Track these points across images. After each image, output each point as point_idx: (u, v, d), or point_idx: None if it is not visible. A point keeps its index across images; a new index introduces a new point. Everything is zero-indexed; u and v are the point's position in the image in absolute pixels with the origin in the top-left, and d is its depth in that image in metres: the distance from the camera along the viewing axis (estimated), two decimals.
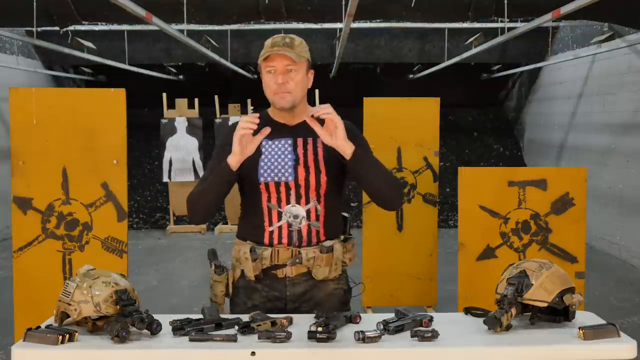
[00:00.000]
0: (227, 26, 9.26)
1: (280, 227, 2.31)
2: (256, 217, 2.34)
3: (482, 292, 2.85)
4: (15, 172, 3.42)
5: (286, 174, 2.31)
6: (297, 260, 2.31)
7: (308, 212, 2.31)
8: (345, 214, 2.46)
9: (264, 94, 2.34)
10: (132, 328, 2.00)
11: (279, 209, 2.31)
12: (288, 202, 2.31)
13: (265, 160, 2.33)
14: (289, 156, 2.32)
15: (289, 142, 2.34)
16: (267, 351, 1.95)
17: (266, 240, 2.33)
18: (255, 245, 2.33)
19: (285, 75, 2.27)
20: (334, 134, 2.20)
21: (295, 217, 2.29)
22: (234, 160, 2.23)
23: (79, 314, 2.02)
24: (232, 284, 2.38)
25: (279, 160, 2.32)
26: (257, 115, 2.24)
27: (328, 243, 2.33)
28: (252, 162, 2.31)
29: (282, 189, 2.31)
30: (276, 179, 2.31)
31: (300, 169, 2.31)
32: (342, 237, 2.40)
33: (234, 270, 2.39)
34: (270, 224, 2.33)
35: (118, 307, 2.02)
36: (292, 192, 2.31)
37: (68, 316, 2.06)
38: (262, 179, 2.32)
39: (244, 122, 2.19)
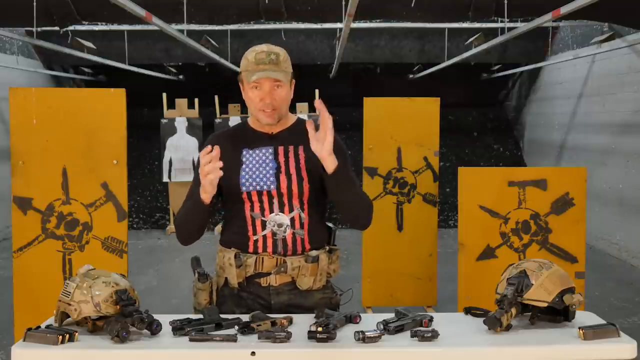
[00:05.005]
0: (227, 26, 9.26)
1: (264, 236, 2.28)
2: (240, 226, 2.30)
3: (482, 292, 2.85)
4: (15, 172, 3.42)
5: (268, 183, 2.28)
6: (282, 269, 2.28)
7: (292, 220, 2.28)
8: (331, 225, 2.43)
9: None
10: (132, 328, 2.00)
11: (263, 218, 2.28)
12: (271, 211, 2.28)
13: (247, 169, 2.30)
14: (270, 165, 2.29)
15: (270, 150, 2.31)
16: (267, 351, 1.95)
17: (250, 248, 2.30)
18: (239, 252, 2.30)
19: (272, 93, 2.24)
20: (323, 144, 2.12)
21: (280, 225, 2.26)
22: (205, 197, 2.18)
23: (79, 314, 2.02)
24: (216, 292, 2.35)
25: (260, 169, 2.29)
26: (210, 149, 2.10)
27: (314, 253, 2.30)
28: (233, 172, 2.29)
29: (265, 197, 2.27)
30: (258, 188, 2.28)
31: (282, 177, 2.28)
32: (327, 247, 2.36)
33: (218, 278, 2.36)
34: (255, 233, 2.29)
35: (118, 307, 2.02)
36: (275, 200, 2.28)
37: (68, 316, 2.06)
38: (244, 189, 2.28)
39: (208, 166, 2.09)
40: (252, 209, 2.29)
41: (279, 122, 2.33)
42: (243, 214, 2.29)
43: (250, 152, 2.32)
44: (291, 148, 2.32)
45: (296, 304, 2.31)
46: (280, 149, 2.32)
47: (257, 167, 2.30)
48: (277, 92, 2.25)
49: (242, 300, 2.32)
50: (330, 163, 2.15)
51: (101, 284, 2.04)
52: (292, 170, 2.29)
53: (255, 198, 2.29)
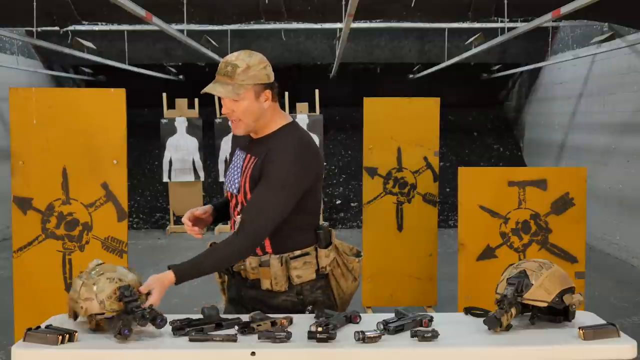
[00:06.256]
0: (227, 26, 9.26)
1: None
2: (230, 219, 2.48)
3: (482, 292, 2.85)
4: (15, 172, 3.42)
5: (233, 187, 2.39)
6: (242, 266, 2.36)
7: None
8: (324, 224, 2.41)
9: None
10: (136, 326, 2.00)
11: (234, 217, 2.40)
12: (239, 212, 2.37)
13: (230, 170, 2.44)
14: (239, 170, 2.38)
15: (243, 156, 2.39)
16: (267, 351, 1.95)
17: None
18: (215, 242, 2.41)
19: (231, 104, 2.27)
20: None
21: None
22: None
23: (86, 311, 2.03)
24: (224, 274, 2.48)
25: (234, 172, 2.41)
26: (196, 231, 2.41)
27: (265, 257, 2.32)
28: (226, 171, 2.47)
29: (234, 199, 2.39)
30: (230, 189, 2.41)
31: (241, 184, 2.36)
32: (297, 252, 2.33)
33: None
34: (232, 228, 2.43)
35: (122, 303, 2.02)
36: (240, 203, 2.36)
37: None
38: (225, 187, 2.46)
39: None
40: (230, 206, 2.45)
41: (259, 128, 2.34)
42: (230, 209, 2.46)
43: (238, 154, 2.44)
44: (253, 158, 2.34)
45: (262, 301, 2.36)
46: (248, 157, 2.37)
47: (233, 170, 2.42)
48: (235, 104, 2.27)
49: (231, 286, 2.47)
50: (172, 282, 2.19)
51: (105, 280, 2.05)
52: (243, 181, 2.34)
53: (230, 197, 2.44)
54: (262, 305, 2.32)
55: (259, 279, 2.35)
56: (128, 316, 2.00)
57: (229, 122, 2.38)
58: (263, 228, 2.24)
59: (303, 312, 2.31)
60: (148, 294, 2.12)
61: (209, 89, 2.28)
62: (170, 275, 2.18)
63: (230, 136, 8.25)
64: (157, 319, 2.03)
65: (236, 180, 2.36)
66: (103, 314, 2.04)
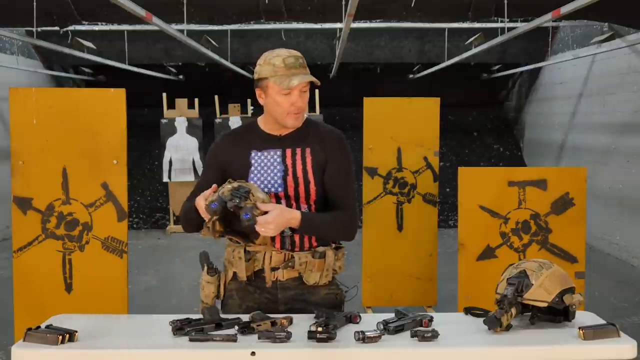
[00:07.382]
0: (227, 26, 9.26)
1: None
2: None
3: (482, 292, 2.85)
4: (15, 172, 3.42)
5: (275, 185, 2.31)
6: (290, 264, 2.32)
7: None
8: None
9: None
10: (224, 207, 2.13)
11: None
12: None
13: (255, 172, 2.34)
14: (278, 167, 2.33)
15: (278, 153, 2.34)
16: (267, 351, 1.95)
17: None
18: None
19: (302, 96, 2.29)
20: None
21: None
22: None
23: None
24: (223, 286, 2.38)
25: (269, 172, 2.33)
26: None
27: (321, 249, 2.33)
28: (242, 174, 2.33)
29: (273, 199, 2.30)
30: (266, 190, 2.31)
31: (289, 179, 2.31)
32: (333, 245, 2.38)
33: (226, 272, 2.39)
34: None
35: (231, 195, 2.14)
36: (283, 202, 2.31)
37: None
38: None
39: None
40: None
41: None
42: None
43: (259, 154, 2.35)
44: (298, 150, 2.34)
45: (302, 299, 2.34)
46: (288, 152, 2.34)
47: (265, 169, 2.33)
48: (305, 95, 2.31)
49: (249, 294, 2.36)
50: (292, 223, 2.21)
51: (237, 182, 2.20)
52: (300, 173, 2.32)
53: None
54: (302, 304, 2.32)
55: (295, 276, 2.33)
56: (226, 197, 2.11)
57: (280, 117, 2.29)
58: (356, 204, 2.37)
59: (341, 306, 2.36)
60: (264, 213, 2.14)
61: (307, 78, 2.26)
62: (296, 213, 2.21)
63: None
64: (247, 213, 2.09)
65: (277, 177, 2.31)
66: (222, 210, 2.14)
